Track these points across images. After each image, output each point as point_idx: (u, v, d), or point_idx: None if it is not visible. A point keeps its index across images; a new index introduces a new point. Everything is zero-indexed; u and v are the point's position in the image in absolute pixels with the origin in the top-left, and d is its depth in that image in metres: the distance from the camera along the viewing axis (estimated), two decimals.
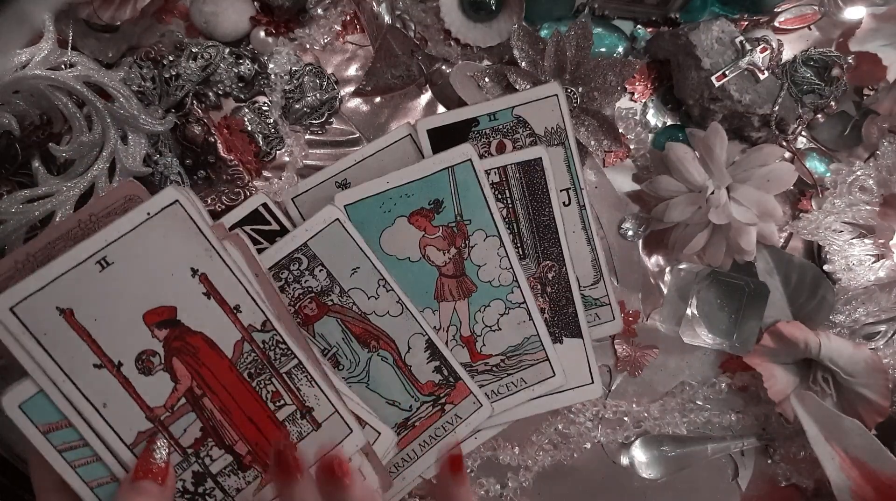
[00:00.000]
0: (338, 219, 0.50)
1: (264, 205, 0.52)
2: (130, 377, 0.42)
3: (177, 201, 0.42)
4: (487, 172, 0.53)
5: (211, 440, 0.43)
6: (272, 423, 0.45)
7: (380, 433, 0.48)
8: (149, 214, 0.41)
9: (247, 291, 0.44)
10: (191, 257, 0.42)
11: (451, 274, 0.53)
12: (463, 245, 0.53)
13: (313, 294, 0.51)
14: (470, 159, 0.52)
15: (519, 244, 0.54)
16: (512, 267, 0.53)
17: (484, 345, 0.54)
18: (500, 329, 0.54)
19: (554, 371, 0.54)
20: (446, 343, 0.53)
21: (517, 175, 0.53)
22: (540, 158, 0.53)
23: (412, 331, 0.52)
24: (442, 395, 0.53)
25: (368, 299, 0.51)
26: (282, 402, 0.45)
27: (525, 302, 0.54)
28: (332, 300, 0.51)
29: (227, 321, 0.43)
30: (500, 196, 0.53)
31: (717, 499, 0.61)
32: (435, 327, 0.53)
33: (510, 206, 0.54)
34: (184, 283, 0.42)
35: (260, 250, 0.51)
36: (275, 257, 0.50)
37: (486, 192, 0.52)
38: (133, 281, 0.41)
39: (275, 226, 0.52)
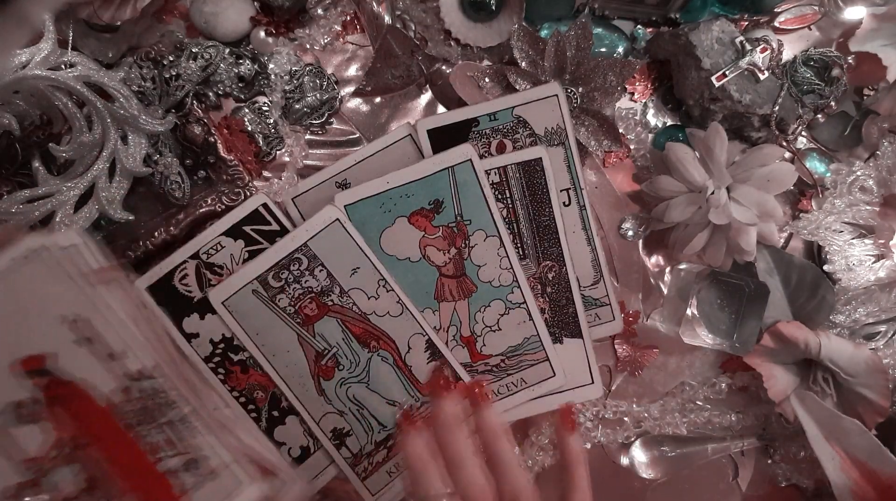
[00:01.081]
0: (338, 219, 0.50)
1: (264, 205, 0.52)
2: (5, 426, 0.40)
3: (44, 246, 0.40)
4: (487, 173, 0.53)
5: (99, 491, 0.41)
6: (153, 475, 0.43)
7: (286, 483, 0.47)
8: (13, 260, 0.40)
9: (124, 339, 0.42)
10: (63, 303, 0.41)
11: (451, 274, 0.53)
12: (463, 245, 0.53)
13: (313, 294, 0.51)
14: (470, 160, 0.52)
15: (519, 244, 0.54)
16: (512, 267, 0.53)
17: (484, 345, 0.54)
18: (501, 329, 0.54)
19: (554, 371, 0.54)
20: (446, 343, 0.53)
21: (517, 175, 0.53)
22: (540, 159, 0.53)
23: (412, 331, 0.52)
24: None
25: (368, 299, 0.51)
26: (164, 453, 0.43)
27: (525, 302, 0.54)
28: (332, 300, 0.51)
29: (103, 369, 0.42)
30: (500, 196, 0.53)
31: (717, 499, 0.61)
32: (435, 327, 0.53)
33: (510, 206, 0.54)
34: (56, 330, 0.41)
35: (260, 251, 0.51)
36: (275, 257, 0.50)
37: (486, 192, 0.52)
38: (1, 329, 0.40)
39: (275, 226, 0.52)
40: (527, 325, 0.54)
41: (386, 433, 0.53)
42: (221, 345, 0.51)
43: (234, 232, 0.51)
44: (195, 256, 0.51)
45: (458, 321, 0.53)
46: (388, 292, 0.51)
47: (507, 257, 0.53)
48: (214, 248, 0.51)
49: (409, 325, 0.52)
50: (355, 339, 0.52)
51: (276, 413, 0.53)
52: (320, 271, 0.51)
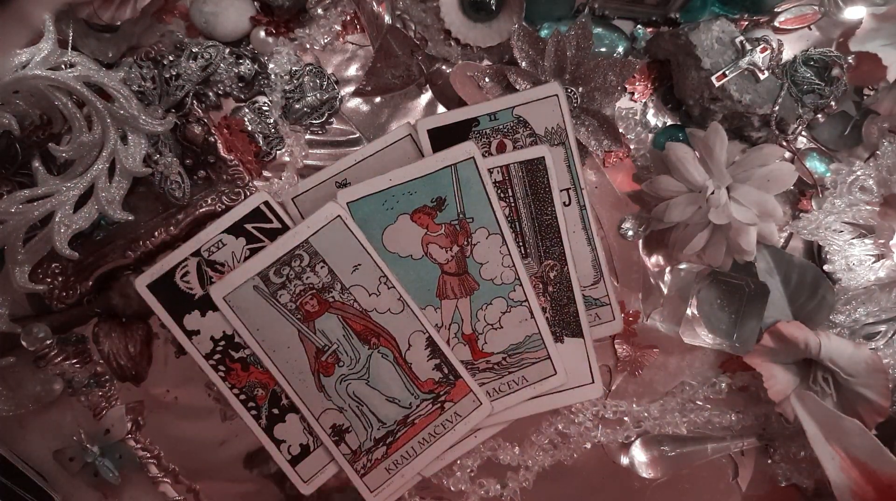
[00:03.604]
0: (339, 216, 0.50)
1: (266, 203, 0.52)
2: None
3: None
4: (490, 171, 0.53)
5: None
6: None
7: None
8: None
9: None
10: None
11: (453, 272, 0.53)
12: (465, 243, 0.53)
13: (314, 291, 0.51)
14: (473, 157, 0.52)
15: (521, 243, 0.54)
16: (514, 265, 0.53)
17: (485, 343, 0.54)
18: (502, 327, 0.54)
19: (555, 370, 0.55)
20: (448, 341, 0.53)
21: (520, 174, 0.53)
22: (543, 158, 0.53)
23: (413, 329, 0.52)
24: (442, 393, 0.53)
25: (369, 296, 0.51)
26: None
27: (527, 300, 0.54)
28: (333, 297, 0.51)
29: None
30: (502, 195, 0.53)
31: (717, 499, 0.61)
32: (437, 324, 0.53)
33: (513, 205, 0.54)
34: None
35: (261, 249, 0.51)
36: (276, 253, 0.50)
37: (488, 190, 0.52)
38: None
39: (276, 224, 0.52)
40: (528, 323, 0.54)
41: (385, 430, 0.53)
42: (222, 343, 0.51)
43: (235, 230, 0.51)
44: (196, 253, 0.51)
45: (459, 319, 0.54)
46: (389, 289, 0.51)
47: (510, 255, 0.53)
48: (216, 245, 0.51)
49: (410, 322, 0.52)
50: (356, 336, 0.52)
51: (276, 411, 0.53)
52: (321, 267, 0.51)
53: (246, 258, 0.51)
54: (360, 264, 0.51)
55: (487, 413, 0.54)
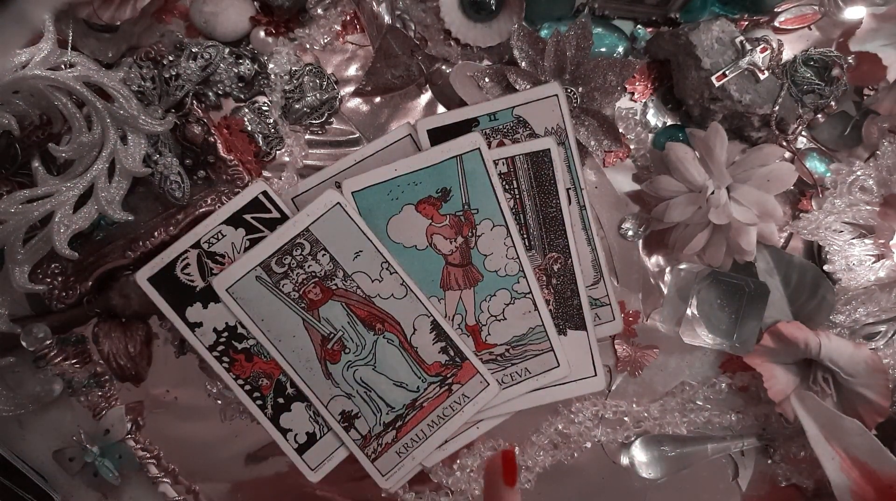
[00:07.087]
0: (338, 203, 0.50)
1: (264, 193, 0.52)
2: None
3: None
4: (495, 163, 0.53)
5: None
6: None
7: None
8: None
9: None
10: None
11: (457, 263, 0.53)
12: (470, 234, 0.53)
13: (317, 279, 0.51)
14: (478, 148, 0.52)
15: (525, 235, 0.54)
16: (518, 257, 0.53)
17: (489, 334, 0.54)
18: (506, 319, 0.54)
19: (558, 362, 0.55)
20: None
21: (525, 166, 0.53)
22: (549, 150, 0.53)
23: (417, 313, 0.52)
24: (449, 375, 0.53)
25: (372, 282, 0.51)
26: None
27: (531, 292, 0.54)
28: (336, 285, 0.51)
29: None
30: (507, 187, 0.54)
31: (717, 499, 0.61)
32: (440, 315, 0.53)
33: (517, 197, 0.54)
34: None
35: (261, 239, 0.51)
36: (277, 242, 0.50)
37: (493, 181, 0.52)
38: None
39: (275, 214, 0.52)
40: (532, 315, 0.54)
41: (394, 414, 0.53)
42: (225, 334, 0.52)
43: (234, 221, 0.52)
44: (196, 245, 0.51)
45: (463, 310, 0.54)
46: (391, 274, 0.51)
47: (514, 246, 0.53)
48: (215, 237, 0.51)
49: (414, 307, 0.52)
50: (360, 322, 0.52)
51: (281, 400, 0.53)
52: (323, 255, 0.51)
53: (246, 249, 0.51)
54: (361, 251, 0.51)
55: (495, 394, 0.54)
